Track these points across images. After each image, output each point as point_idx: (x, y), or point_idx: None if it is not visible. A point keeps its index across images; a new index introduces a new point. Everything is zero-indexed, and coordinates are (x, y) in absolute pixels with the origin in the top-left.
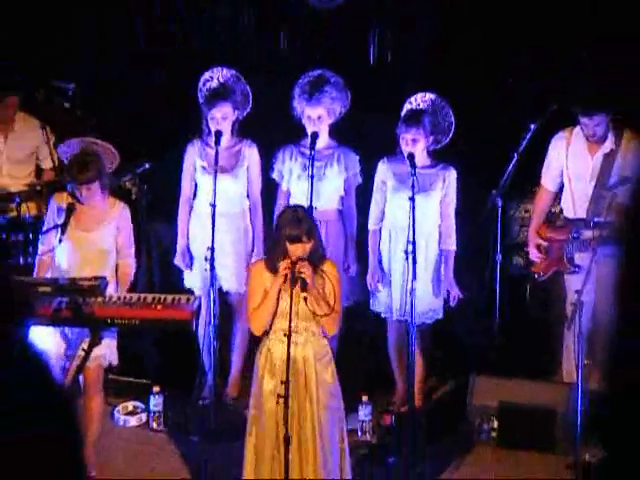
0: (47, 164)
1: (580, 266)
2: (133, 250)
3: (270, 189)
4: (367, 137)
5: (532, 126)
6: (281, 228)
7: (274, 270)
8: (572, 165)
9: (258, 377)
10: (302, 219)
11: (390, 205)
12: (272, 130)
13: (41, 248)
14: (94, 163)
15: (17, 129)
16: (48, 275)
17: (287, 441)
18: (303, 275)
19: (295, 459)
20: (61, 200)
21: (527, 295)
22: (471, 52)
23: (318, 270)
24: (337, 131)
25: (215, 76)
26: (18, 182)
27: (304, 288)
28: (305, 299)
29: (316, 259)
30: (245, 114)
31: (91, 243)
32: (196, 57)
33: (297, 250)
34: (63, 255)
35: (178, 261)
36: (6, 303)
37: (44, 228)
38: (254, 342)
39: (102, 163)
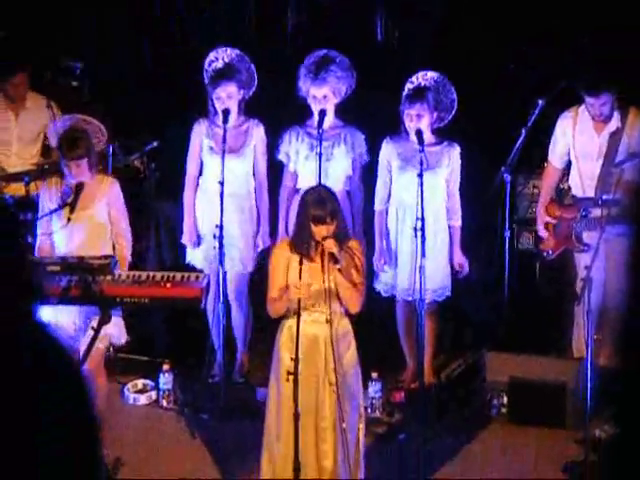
0: (55, 142)
1: (589, 244)
2: (126, 226)
3: (275, 170)
4: (373, 116)
5: (540, 102)
6: (305, 209)
7: (298, 251)
8: (579, 144)
9: (278, 354)
10: (326, 199)
11: (396, 184)
12: (278, 111)
13: (39, 231)
14: (83, 140)
15: (28, 107)
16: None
17: (296, 418)
18: (331, 250)
19: (311, 438)
20: (51, 184)
21: (537, 273)
22: (474, 30)
23: (344, 247)
24: (343, 111)
25: (220, 56)
26: (25, 162)
27: (335, 261)
28: (339, 270)
29: (341, 238)
30: (251, 93)
31: (88, 220)
32: (197, 36)
33: (321, 231)
34: (65, 234)
35: (185, 240)
36: (16, 282)
37: (40, 212)
38: (262, 320)
39: (91, 141)
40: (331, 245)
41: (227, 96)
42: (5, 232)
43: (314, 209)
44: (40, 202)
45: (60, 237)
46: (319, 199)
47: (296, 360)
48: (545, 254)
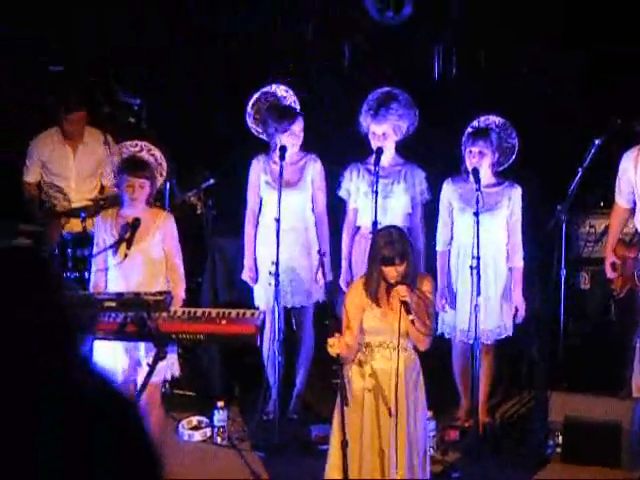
0: (108, 181)
1: None
2: (179, 262)
3: (336, 206)
4: (435, 154)
5: (596, 141)
6: (375, 250)
7: (370, 293)
8: None
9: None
10: (395, 241)
11: (457, 225)
12: (339, 147)
13: (95, 267)
14: (149, 164)
15: (86, 142)
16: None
17: (344, 445)
18: (404, 299)
19: (377, 467)
20: (106, 217)
21: (597, 311)
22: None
23: (415, 289)
24: (404, 148)
25: (288, 96)
26: (84, 197)
27: (408, 311)
28: (412, 322)
29: (412, 279)
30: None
31: (143, 255)
32: (256, 72)
33: (391, 272)
34: (121, 270)
35: (245, 276)
36: (64, 319)
37: (96, 247)
38: (319, 357)
39: (154, 169)
40: (404, 293)
41: (300, 130)
42: (37, 282)
43: (384, 250)
44: (95, 236)
45: (116, 273)
46: (389, 240)
47: (342, 401)
48: (614, 293)
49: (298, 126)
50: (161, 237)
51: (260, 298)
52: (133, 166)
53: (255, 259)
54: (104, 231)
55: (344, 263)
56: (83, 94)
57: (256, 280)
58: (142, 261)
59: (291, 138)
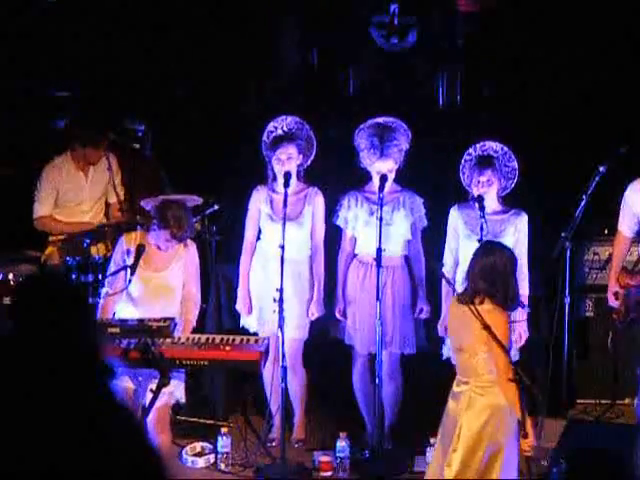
0: (112, 198)
1: None
2: (196, 291)
3: (331, 235)
4: (439, 181)
5: (601, 168)
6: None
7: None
8: None
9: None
10: None
11: (462, 251)
12: (334, 175)
13: (106, 290)
14: (188, 219)
15: (97, 166)
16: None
17: None
18: None
19: None
20: (130, 240)
21: (609, 341)
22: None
23: None
24: (407, 175)
25: (279, 125)
26: (95, 220)
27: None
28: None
29: None
30: (309, 161)
31: (161, 282)
32: (260, 102)
33: None
34: (132, 295)
35: (239, 306)
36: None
37: (111, 269)
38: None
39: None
40: None
41: (287, 157)
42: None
43: None
44: (113, 257)
45: (133, 299)
46: None
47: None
48: (617, 323)
49: (285, 153)
50: (181, 265)
51: (246, 321)
52: (177, 228)
53: (249, 290)
54: (126, 255)
55: (338, 291)
56: (106, 122)
57: (250, 310)
58: (161, 289)
59: (279, 165)
